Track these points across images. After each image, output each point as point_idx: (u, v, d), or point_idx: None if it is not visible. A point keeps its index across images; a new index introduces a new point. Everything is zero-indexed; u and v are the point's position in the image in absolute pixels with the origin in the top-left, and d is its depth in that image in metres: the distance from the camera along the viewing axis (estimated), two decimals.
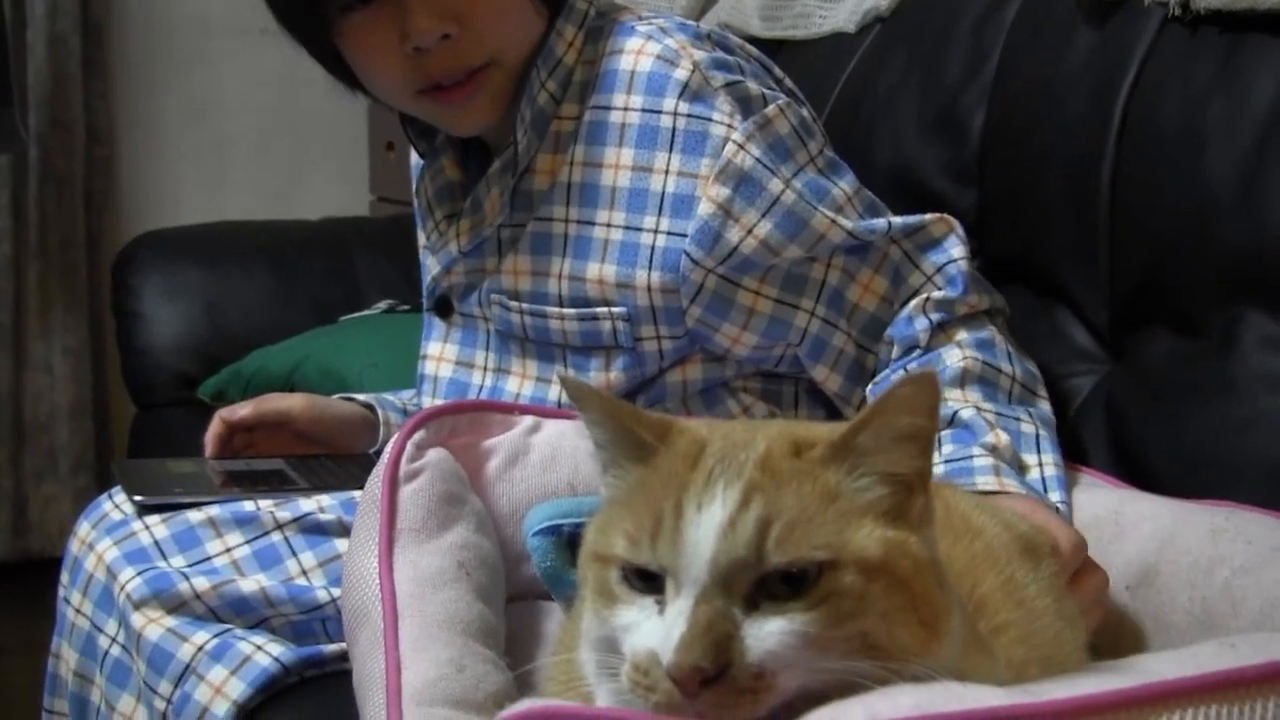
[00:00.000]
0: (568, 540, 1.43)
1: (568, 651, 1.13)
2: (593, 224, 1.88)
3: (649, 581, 0.95)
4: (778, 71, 2.01)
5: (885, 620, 0.93)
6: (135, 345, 3.47)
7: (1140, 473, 1.74)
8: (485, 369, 2.01)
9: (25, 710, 2.02)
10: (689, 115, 1.81)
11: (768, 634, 0.92)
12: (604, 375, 1.90)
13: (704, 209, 1.80)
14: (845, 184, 1.87)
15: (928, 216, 1.85)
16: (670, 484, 0.98)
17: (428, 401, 2.06)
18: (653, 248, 1.84)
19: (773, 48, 2.77)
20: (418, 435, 1.47)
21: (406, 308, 3.25)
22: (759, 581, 0.93)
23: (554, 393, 1.94)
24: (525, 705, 0.96)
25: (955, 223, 1.86)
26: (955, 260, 1.83)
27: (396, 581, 1.32)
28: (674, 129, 1.82)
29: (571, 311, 1.90)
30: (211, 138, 4.77)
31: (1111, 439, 1.84)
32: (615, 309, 1.87)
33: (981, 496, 1.44)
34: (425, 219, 2.08)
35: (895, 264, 1.84)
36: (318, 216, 4.04)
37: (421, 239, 2.13)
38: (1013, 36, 2.16)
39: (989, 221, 2.14)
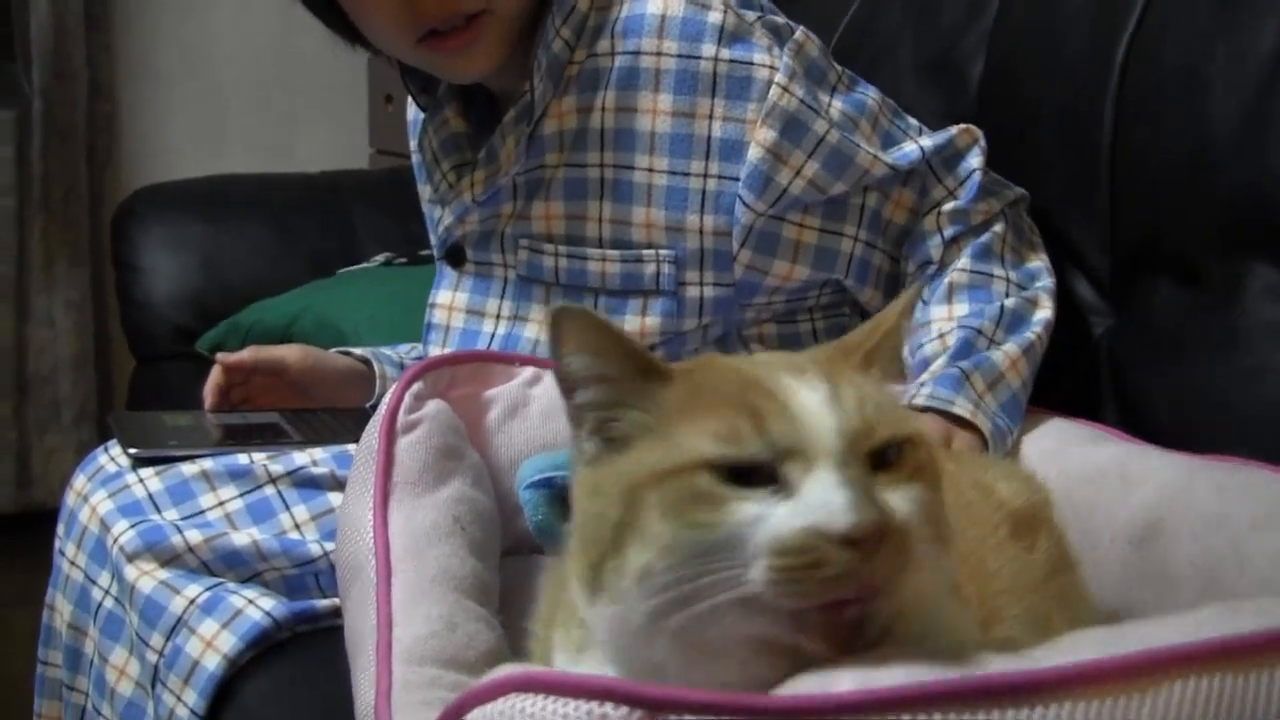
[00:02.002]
0: (560, 493, 1.41)
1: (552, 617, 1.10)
2: (632, 168, 1.88)
3: (751, 475, 0.90)
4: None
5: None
6: (134, 298, 3.49)
7: (1144, 425, 1.72)
8: (499, 317, 2.00)
9: (26, 660, 2.02)
10: (731, 60, 1.83)
11: (899, 499, 0.90)
12: (639, 320, 1.90)
13: (753, 153, 1.82)
14: (873, 94, 1.92)
15: (953, 130, 1.90)
16: (733, 389, 0.95)
17: (436, 351, 2.05)
18: (703, 191, 1.86)
19: None
20: (416, 386, 1.46)
21: (404, 260, 3.25)
22: (869, 455, 0.92)
23: None
24: (505, 671, 0.91)
25: (978, 133, 1.93)
26: (974, 170, 1.89)
27: (391, 536, 1.30)
28: (715, 73, 1.83)
29: (615, 253, 1.90)
30: (211, 89, 4.78)
31: (1115, 392, 1.82)
32: (663, 251, 1.87)
33: (975, 473, 1.40)
34: (431, 171, 2.06)
35: (922, 179, 1.89)
36: (317, 169, 4.05)
37: (427, 192, 2.12)
38: None
39: (988, 168, 2.11)
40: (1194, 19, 1.79)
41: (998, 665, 0.84)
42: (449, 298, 2.05)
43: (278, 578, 1.75)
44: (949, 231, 1.86)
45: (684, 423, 0.94)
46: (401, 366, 2.16)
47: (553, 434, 1.53)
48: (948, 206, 1.87)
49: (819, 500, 0.87)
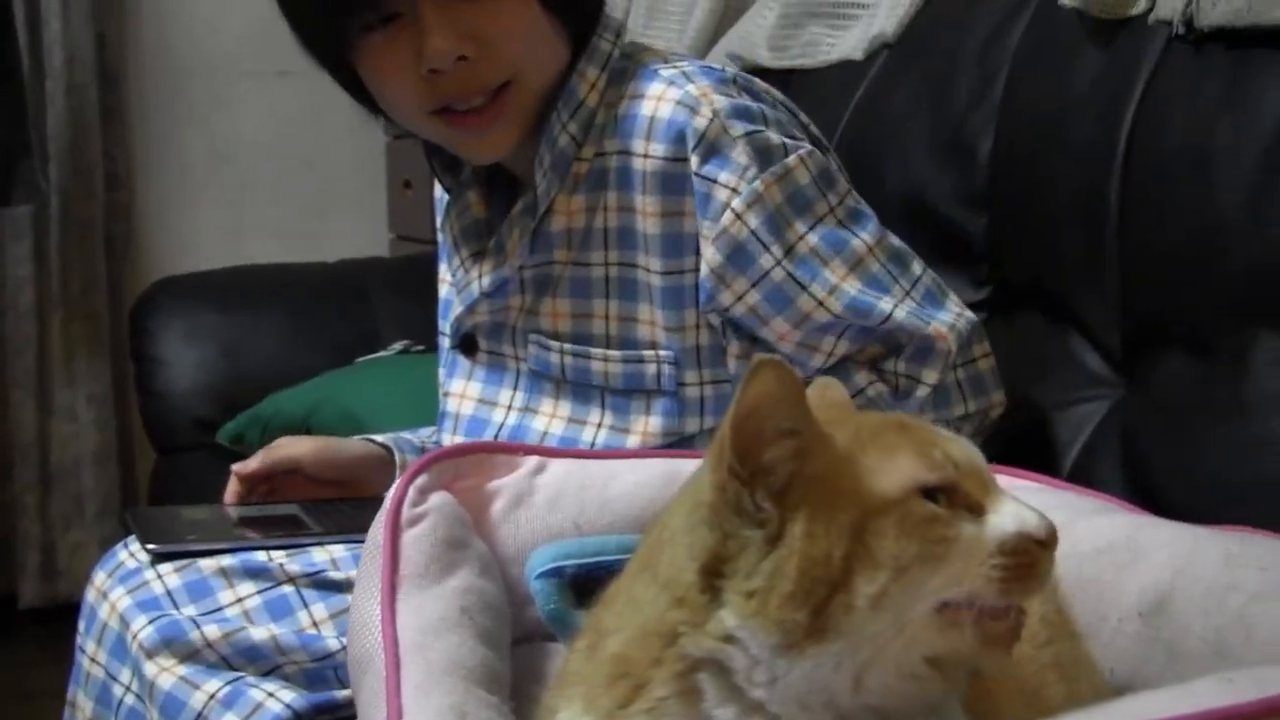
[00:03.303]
0: (570, 581, 1.41)
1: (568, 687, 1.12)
2: (634, 266, 1.88)
3: (938, 496, 1.02)
4: (803, 117, 1.99)
5: None
6: (154, 390, 3.50)
7: (1154, 497, 1.71)
8: (510, 408, 2.00)
9: None
10: (699, 175, 1.80)
11: None
12: (643, 419, 1.90)
13: (703, 269, 1.82)
14: (866, 234, 1.85)
15: (930, 329, 1.81)
16: (893, 429, 1.06)
17: (448, 439, 2.05)
18: (696, 286, 1.85)
19: (783, 78, 2.77)
20: (420, 480, 1.46)
21: (421, 348, 3.25)
22: None
23: (588, 434, 1.93)
24: None
25: (954, 341, 1.82)
26: (924, 384, 1.83)
27: (399, 629, 1.30)
28: (691, 183, 1.81)
29: (617, 354, 1.90)
30: (232, 181, 4.79)
31: (1125, 463, 1.82)
32: (662, 351, 1.87)
33: None
34: (451, 256, 2.07)
35: (885, 342, 1.84)
36: (339, 256, 4.07)
37: (445, 274, 2.12)
38: (1018, 59, 2.15)
39: (1000, 246, 2.13)
40: (1198, 94, 1.79)
41: None
42: (462, 386, 2.06)
43: (297, 671, 1.75)
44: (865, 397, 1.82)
45: (876, 458, 1.03)
46: (421, 450, 2.16)
47: (558, 523, 1.53)
48: (878, 392, 1.83)
49: (1015, 512, 1.03)
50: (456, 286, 2.04)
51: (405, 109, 1.90)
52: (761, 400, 1.00)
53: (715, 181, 1.79)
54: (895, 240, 1.88)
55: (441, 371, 2.14)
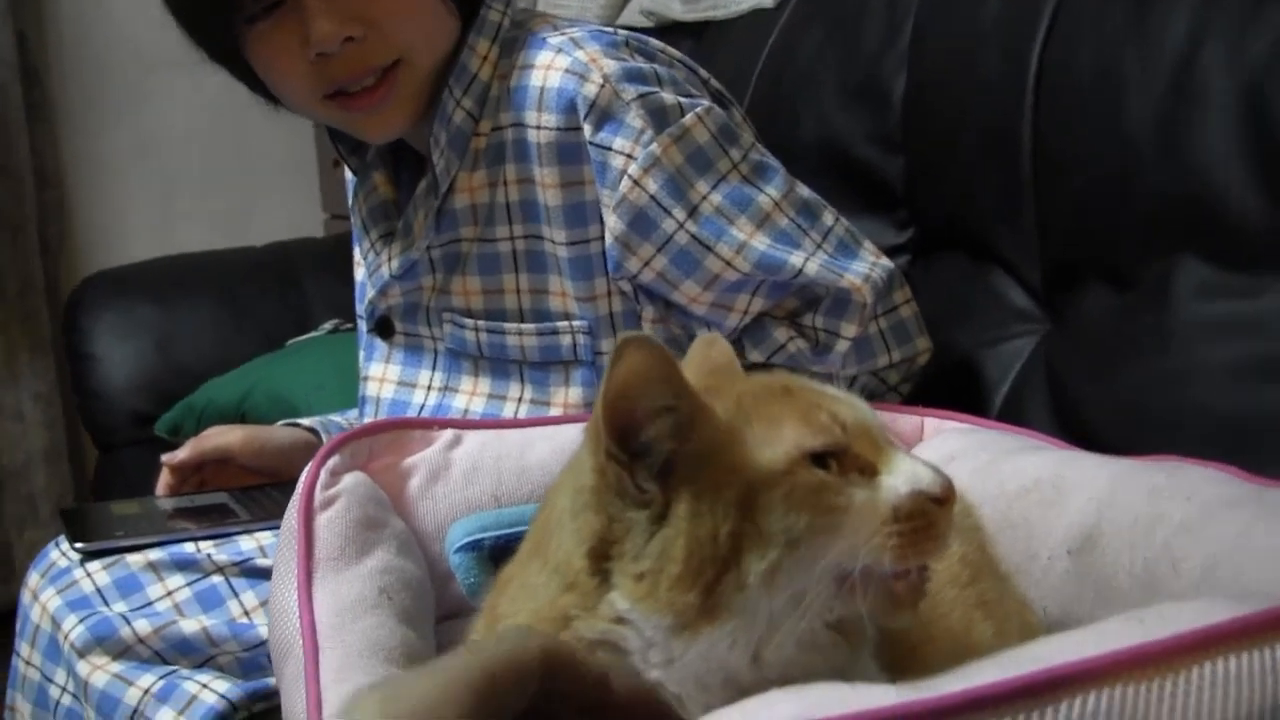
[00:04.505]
0: (490, 553, 1.40)
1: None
2: (540, 239, 1.86)
3: (828, 461, 0.99)
4: (703, 73, 1.97)
5: None
6: (91, 387, 3.48)
7: (1082, 432, 1.71)
8: (430, 388, 1.99)
9: None
10: (593, 144, 1.77)
11: None
12: (563, 390, 1.88)
13: (608, 237, 1.79)
14: (772, 189, 1.82)
15: (845, 281, 1.78)
16: (778, 394, 1.04)
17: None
18: (603, 254, 1.82)
19: (696, 30, 2.76)
20: (331, 461, 1.44)
21: (350, 326, 3.24)
22: None
23: (509, 409, 1.91)
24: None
25: (869, 292, 1.78)
26: (843, 338, 1.81)
27: (316, 613, 1.28)
28: (587, 151, 1.79)
29: (530, 327, 1.88)
30: (161, 171, 4.75)
31: (1053, 399, 1.81)
32: (575, 322, 1.85)
33: None
34: (361, 238, 2.06)
35: (801, 295, 1.82)
36: (274, 239, 4.03)
37: (357, 257, 2.10)
38: None
39: (917, 187, 2.11)
40: (1102, 25, 1.78)
41: (897, 695, 0.83)
42: (380, 370, 2.04)
43: (231, 660, 1.75)
44: (783, 356, 1.82)
45: (759, 428, 1.00)
46: None
47: (476, 496, 1.52)
48: (798, 348, 1.82)
49: (909, 471, 1.00)
50: (368, 269, 2.03)
51: (297, 95, 1.88)
52: (631, 379, 0.98)
53: (610, 149, 1.76)
54: (805, 191, 1.86)
55: (360, 355, 2.12)
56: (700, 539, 0.97)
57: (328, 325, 3.40)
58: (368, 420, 2.04)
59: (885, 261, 1.85)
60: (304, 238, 4.22)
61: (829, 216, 1.85)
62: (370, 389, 2.05)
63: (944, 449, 1.65)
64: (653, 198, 1.76)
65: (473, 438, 1.56)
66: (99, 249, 4.64)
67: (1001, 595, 1.30)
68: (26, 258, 4.44)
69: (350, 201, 2.11)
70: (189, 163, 4.77)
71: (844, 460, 0.99)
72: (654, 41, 1.94)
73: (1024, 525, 1.44)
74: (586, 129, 1.77)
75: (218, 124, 4.67)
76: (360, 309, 2.11)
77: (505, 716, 0.87)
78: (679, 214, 1.76)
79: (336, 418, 2.22)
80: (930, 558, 1.00)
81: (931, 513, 0.98)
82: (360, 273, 2.13)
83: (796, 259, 1.77)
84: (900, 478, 0.99)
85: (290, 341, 3.37)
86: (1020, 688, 0.81)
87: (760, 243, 1.77)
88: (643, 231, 1.77)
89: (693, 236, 1.76)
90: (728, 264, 1.76)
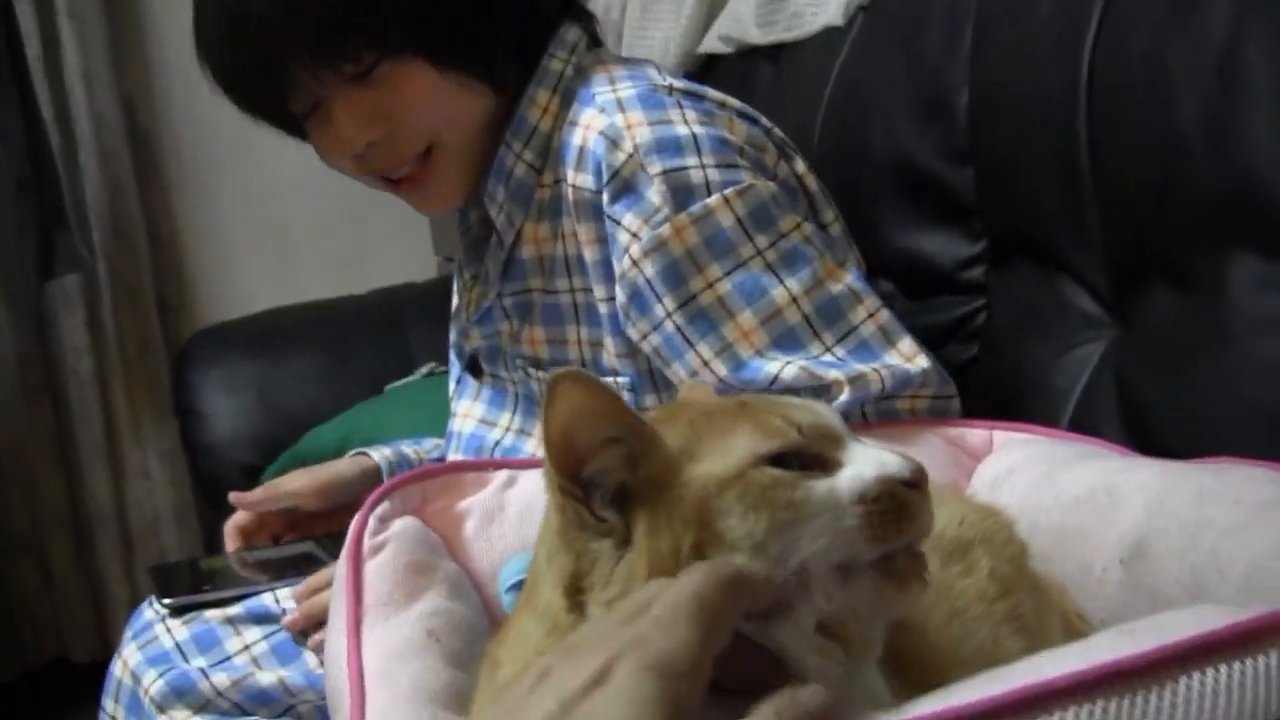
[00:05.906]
0: None
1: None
2: (590, 291, 1.87)
3: (790, 462, 0.99)
4: (765, 122, 1.95)
5: None
6: (200, 443, 3.53)
7: (1149, 435, 1.69)
8: (508, 429, 2.00)
9: None
10: (608, 215, 1.77)
11: None
12: None
13: (616, 302, 1.80)
14: (795, 281, 1.76)
15: (829, 377, 1.71)
16: (731, 410, 1.04)
17: (452, 456, 2.05)
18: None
19: (773, 54, 2.76)
20: (380, 508, 1.46)
21: (444, 369, 3.26)
22: None
23: None
24: None
25: (848, 391, 1.70)
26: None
27: (365, 659, 1.30)
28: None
29: None
30: (273, 223, 4.81)
31: (1121, 404, 1.78)
32: (621, 379, 1.85)
33: None
34: (458, 275, 2.09)
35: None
36: (388, 283, 4.08)
37: (454, 298, 2.14)
38: (982, 5, 2.11)
39: (987, 197, 2.09)
40: (1148, 19, 1.76)
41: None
42: (468, 406, 2.07)
43: (309, 709, 1.77)
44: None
45: (711, 443, 1.00)
46: (420, 464, 2.17)
47: (530, 535, 1.49)
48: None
49: (874, 459, 1.00)
50: (459, 307, 2.05)
51: (362, 181, 1.96)
52: (569, 416, 0.98)
53: (620, 223, 1.77)
54: (839, 285, 1.79)
55: (451, 386, 2.15)
56: (662, 554, 0.97)
57: (424, 369, 3.43)
58: (451, 454, 2.06)
59: (921, 362, 1.78)
60: (408, 283, 4.25)
61: (861, 313, 1.78)
62: (455, 424, 2.08)
63: (1005, 462, 1.64)
64: (648, 281, 1.75)
65: (527, 478, 1.57)
66: (219, 304, 4.70)
67: (1041, 609, 1.28)
68: (145, 318, 4.51)
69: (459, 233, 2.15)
70: (301, 212, 4.82)
71: (804, 460, 0.99)
72: (713, 93, 1.91)
73: (1079, 536, 1.43)
74: (605, 197, 1.77)
75: (326, 171, 4.70)
76: (452, 342, 2.14)
77: None
78: (669, 303, 1.75)
79: (408, 447, 2.24)
80: (909, 537, 0.99)
81: (901, 495, 0.98)
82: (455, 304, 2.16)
83: (775, 367, 1.72)
84: (865, 466, 0.99)
85: (389, 386, 3.40)
86: (996, 707, 0.80)
87: (746, 349, 1.73)
88: (639, 309, 1.78)
89: (678, 329, 1.75)
90: (705, 365, 1.74)
